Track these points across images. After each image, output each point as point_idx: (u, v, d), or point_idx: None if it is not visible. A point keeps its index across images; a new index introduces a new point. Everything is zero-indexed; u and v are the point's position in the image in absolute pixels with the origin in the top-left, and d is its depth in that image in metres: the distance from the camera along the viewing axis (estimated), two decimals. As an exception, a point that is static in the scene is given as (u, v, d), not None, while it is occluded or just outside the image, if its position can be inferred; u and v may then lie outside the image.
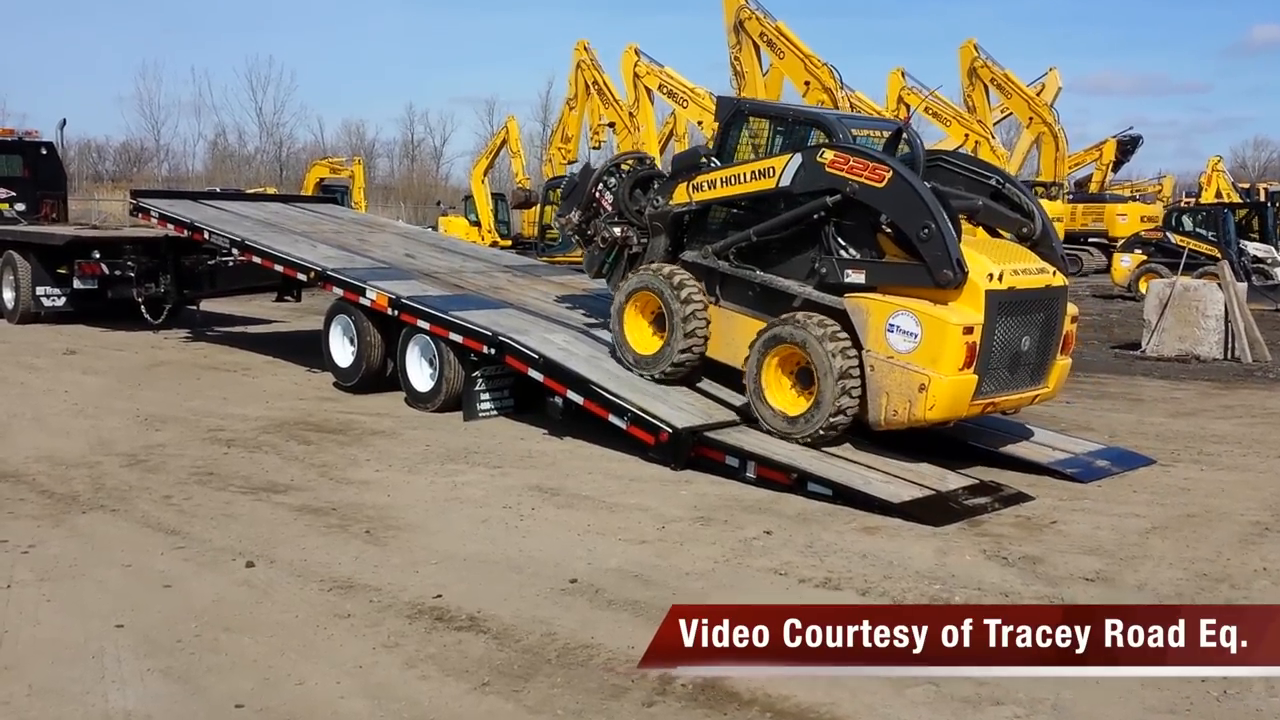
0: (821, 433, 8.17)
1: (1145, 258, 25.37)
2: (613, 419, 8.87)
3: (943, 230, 7.64)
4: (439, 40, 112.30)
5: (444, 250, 14.35)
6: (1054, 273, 8.38)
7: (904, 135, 8.81)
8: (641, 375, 9.40)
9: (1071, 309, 8.63)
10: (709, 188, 9.10)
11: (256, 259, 12.83)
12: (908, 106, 37.00)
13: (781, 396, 8.48)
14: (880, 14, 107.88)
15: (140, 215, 14.92)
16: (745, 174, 8.81)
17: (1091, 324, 20.05)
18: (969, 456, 8.69)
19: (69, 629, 5.32)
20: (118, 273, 15.67)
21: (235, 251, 13.23)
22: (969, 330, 7.64)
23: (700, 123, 28.82)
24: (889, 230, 8.09)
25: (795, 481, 7.74)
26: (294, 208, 16.60)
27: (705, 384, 9.49)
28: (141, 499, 7.58)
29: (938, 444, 8.93)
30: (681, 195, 9.31)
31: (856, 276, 8.17)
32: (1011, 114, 43.14)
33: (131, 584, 5.93)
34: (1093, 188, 42.59)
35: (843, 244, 8.38)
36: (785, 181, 8.43)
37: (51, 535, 6.75)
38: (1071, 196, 38.92)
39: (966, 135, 36.90)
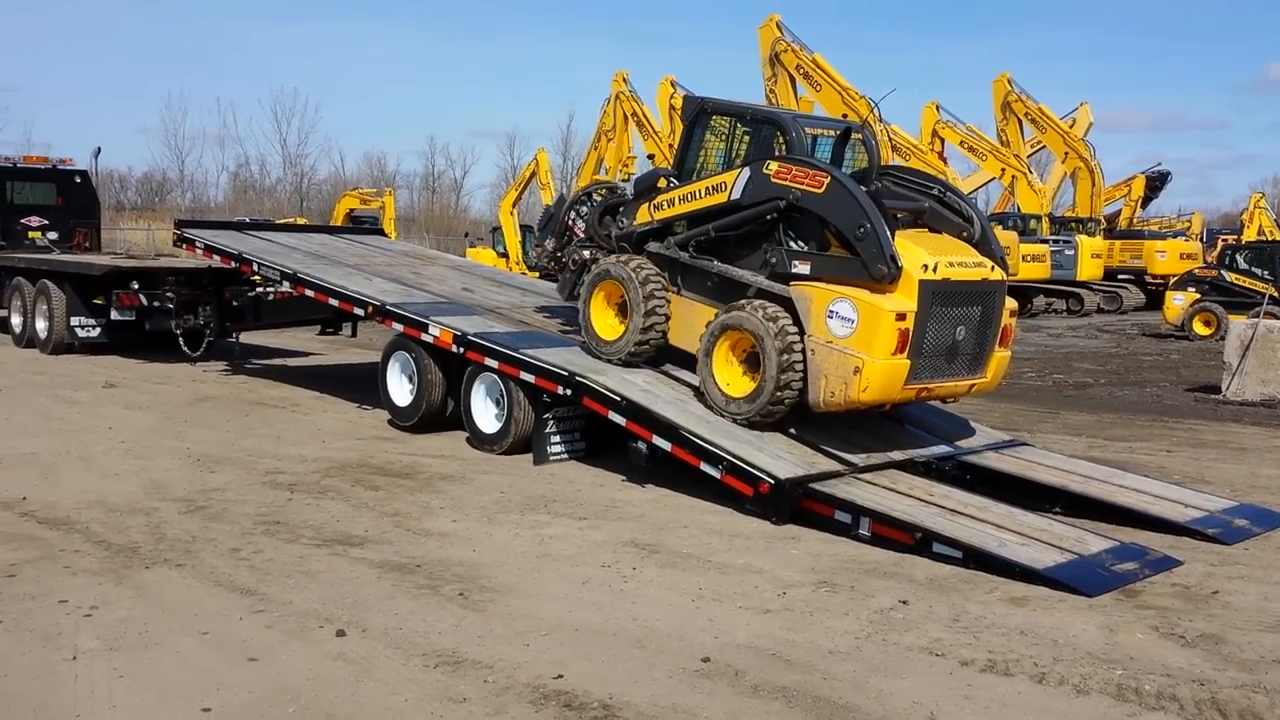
0: (770, 408, 8.49)
1: (1199, 296, 24.69)
2: (705, 467, 8.27)
3: (877, 230, 7.99)
4: (460, 73, 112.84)
5: (501, 284, 13.75)
6: (992, 267, 8.57)
7: (855, 136, 9.20)
8: (607, 361, 9.70)
9: (1010, 303, 8.84)
10: (668, 206, 9.53)
11: (310, 292, 12.24)
12: (942, 140, 36.53)
13: (730, 378, 8.82)
14: (911, 50, 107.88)
15: (185, 246, 14.36)
16: (700, 190, 9.22)
17: (1156, 365, 19.39)
18: (1095, 512, 8.04)
19: (149, 713, 4.70)
20: (156, 304, 15.15)
21: (286, 284, 12.64)
22: (901, 317, 7.94)
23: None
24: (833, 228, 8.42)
25: (919, 542, 7.09)
26: (341, 239, 16.01)
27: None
28: (207, 551, 6.97)
29: (1057, 499, 8.32)
30: (644, 215, 9.73)
31: (803, 267, 8.57)
32: (1043, 148, 42.65)
33: (212, 656, 5.31)
34: (1121, 224, 41.87)
35: (793, 237, 8.75)
36: (736, 195, 8.86)
37: (115, 595, 6.14)
38: (1106, 233, 38.12)
39: (1003, 170, 36.43)
